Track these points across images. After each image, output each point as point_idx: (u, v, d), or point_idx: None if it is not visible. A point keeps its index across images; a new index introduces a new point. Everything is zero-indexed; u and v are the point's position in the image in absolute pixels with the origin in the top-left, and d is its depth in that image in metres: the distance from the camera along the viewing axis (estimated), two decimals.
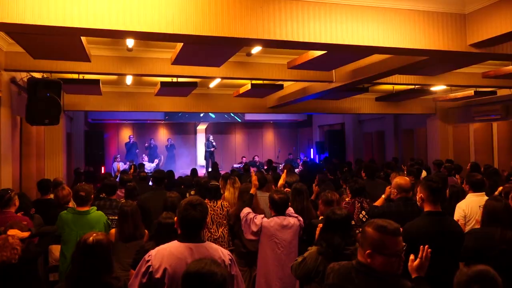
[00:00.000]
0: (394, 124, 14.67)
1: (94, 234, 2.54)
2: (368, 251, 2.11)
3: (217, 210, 4.88)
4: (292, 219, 3.94)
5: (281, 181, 4.90)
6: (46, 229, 4.03)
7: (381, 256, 2.08)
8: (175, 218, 2.55)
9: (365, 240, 2.15)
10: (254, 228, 3.91)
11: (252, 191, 4.36)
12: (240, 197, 4.67)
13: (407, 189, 3.96)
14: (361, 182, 4.92)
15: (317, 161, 16.61)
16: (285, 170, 5.00)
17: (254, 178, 4.44)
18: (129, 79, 9.06)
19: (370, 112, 12.61)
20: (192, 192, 6.38)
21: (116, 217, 4.31)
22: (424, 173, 7.97)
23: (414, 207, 3.96)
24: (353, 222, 4.51)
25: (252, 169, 11.24)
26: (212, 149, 16.12)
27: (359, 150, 15.98)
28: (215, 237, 4.75)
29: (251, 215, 3.98)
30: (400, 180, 4.13)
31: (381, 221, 2.16)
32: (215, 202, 4.93)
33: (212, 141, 16.35)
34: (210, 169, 12.61)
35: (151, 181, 6.63)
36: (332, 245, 3.00)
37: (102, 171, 13.14)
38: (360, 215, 4.59)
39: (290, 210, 4.07)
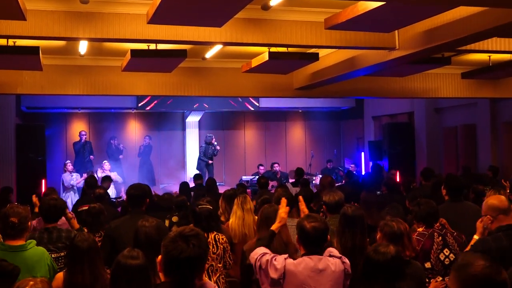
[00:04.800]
0: (491, 114, 14.54)
1: (32, 282, 2.56)
2: None
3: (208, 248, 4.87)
4: (332, 260, 3.93)
5: (303, 208, 4.84)
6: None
7: None
8: (159, 257, 2.58)
9: None
10: (274, 275, 3.87)
11: (274, 227, 4.30)
12: (264, 223, 4.65)
13: (506, 210, 3.96)
14: (432, 203, 4.93)
15: (370, 171, 16.56)
16: (300, 197, 4.91)
17: (284, 209, 4.35)
18: (83, 46, 9.15)
19: (453, 96, 12.53)
20: (174, 219, 6.43)
21: (63, 253, 4.36)
22: None
23: None
24: (428, 265, 4.50)
25: (271, 184, 11.24)
26: (210, 162, 16.00)
27: (437, 155, 15.91)
28: None
29: (268, 256, 3.96)
30: (493, 200, 4.13)
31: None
32: (206, 234, 4.91)
33: (216, 143, 16.25)
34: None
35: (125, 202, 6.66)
36: None
37: (43, 186, 13.24)
38: (442, 254, 4.57)
39: (333, 251, 4.04)
